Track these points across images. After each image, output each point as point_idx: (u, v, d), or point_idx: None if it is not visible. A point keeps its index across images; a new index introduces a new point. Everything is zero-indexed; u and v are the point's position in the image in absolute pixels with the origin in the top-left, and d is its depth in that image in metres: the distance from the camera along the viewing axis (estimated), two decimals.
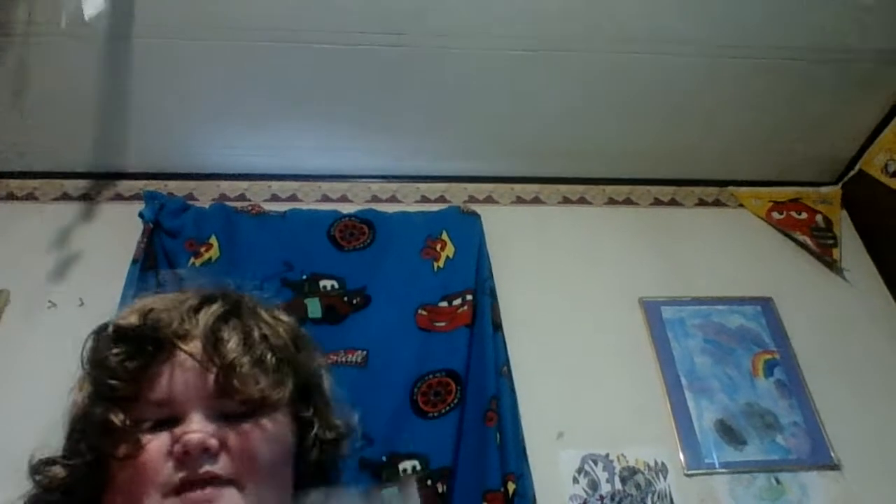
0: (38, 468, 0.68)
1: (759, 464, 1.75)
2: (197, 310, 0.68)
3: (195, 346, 0.66)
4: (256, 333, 0.69)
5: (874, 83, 2.08)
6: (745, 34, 1.93)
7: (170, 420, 0.64)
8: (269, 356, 0.68)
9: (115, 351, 0.66)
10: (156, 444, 0.62)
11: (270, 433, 0.66)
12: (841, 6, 1.89)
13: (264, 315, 0.73)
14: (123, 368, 0.65)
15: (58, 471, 0.66)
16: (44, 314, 1.78)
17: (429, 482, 1.54)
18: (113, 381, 0.64)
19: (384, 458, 1.55)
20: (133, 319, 0.67)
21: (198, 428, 0.62)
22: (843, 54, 1.99)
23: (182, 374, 0.65)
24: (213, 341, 0.66)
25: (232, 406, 0.65)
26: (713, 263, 2.11)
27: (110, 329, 0.67)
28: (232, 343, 0.66)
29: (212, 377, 0.65)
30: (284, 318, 0.75)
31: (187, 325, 0.67)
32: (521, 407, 1.72)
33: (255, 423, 0.65)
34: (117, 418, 0.63)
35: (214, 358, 0.65)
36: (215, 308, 0.69)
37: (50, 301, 1.80)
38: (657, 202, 2.25)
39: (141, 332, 0.66)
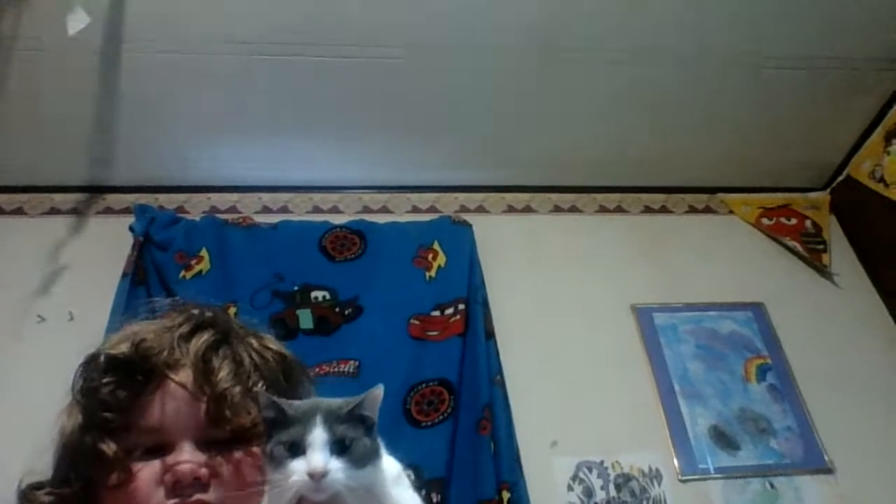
0: (26, 493, 0.68)
1: (753, 469, 1.75)
2: (187, 338, 0.69)
3: (186, 375, 0.67)
4: (247, 362, 0.70)
5: (861, 90, 2.10)
6: (734, 44, 1.95)
7: (160, 448, 0.64)
8: (259, 385, 0.69)
9: (105, 380, 0.66)
10: (146, 472, 0.63)
11: (259, 460, 0.66)
12: (828, 15, 1.91)
13: (254, 343, 0.73)
14: (114, 398, 0.65)
15: (45, 498, 0.66)
16: (33, 328, 1.77)
17: (423, 492, 1.53)
18: (104, 412, 0.65)
19: None
20: (123, 348, 0.68)
21: (189, 458, 0.63)
22: (830, 62, 2.02)
23: (173, 403, 0.65)
24: (204, 371, 0.67)
25: (222, 434, 0.65)
26: (704, 270, 2.12)
27: (101, 358, 0.68)
28: (223, 373, 0.67)
29: (203, 406, 0.65)
30: (273, 345, 0.76)
31: (177, 354, 0.68)
32: (515, 415, 1.71)
33: (245, 451, 0.66)
34: (108, 448, 0.63)
35: (205, 387, 0.66)
36: (206, 337, 0.70)
37: (39, 315, 1.79)
38: (648, 209, 2.26)
39: (132, 362, 0.67)
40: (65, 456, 0.67)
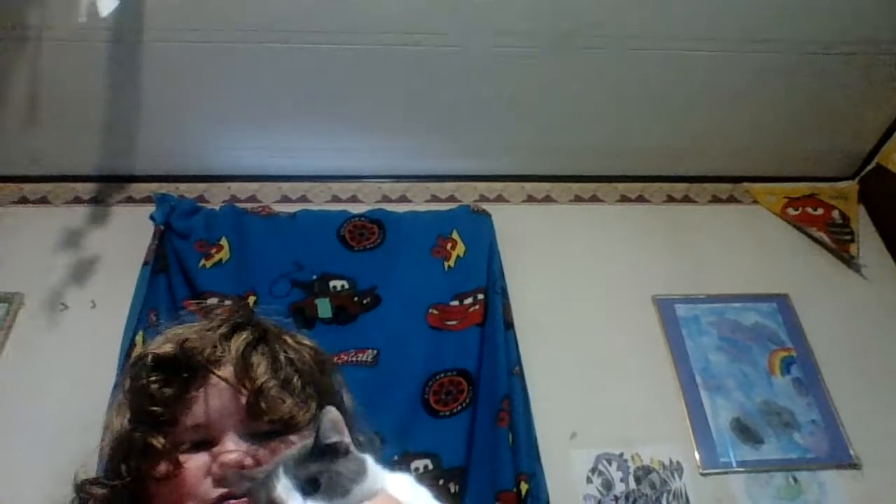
0: (81, 487, 0.71)
1: (777, 462, 1.73)
2: (228, 337, 0.73)
3: (227, 371, 0.71)
4: (283, 357, 0.74)
5: (891, 76, 2.05)
6: (760, 29, 1.90)
7: (205, 441, 0.68)
8: (295, 378, 0.73)
9: (153, 378, 0.70)
10: (194, 463, 0.66)
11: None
12: (857, 0, 1.86)
13: (289, 340, 0.77)
14: (161, 394, 0.69)
15: (98, 490, 0.70)
16: (57, 316, 1.79)
17: (441, 482, 1.53)
18: (153, 408, 0.69)
19: (396, 458, 1.54)
20: (168, 348, 0.71)
21: (233, 448, 0.66)
22: (859, 48, 1.97)
23: (216, 398, 0.69)
24: (244, 366, 0.71)
25: (262, 426, 0.69)
26: (728, 260, 2.09)
27: (148, 358, 0.71)
28: (261, 368, 0.71)
29: (243, 400, 0.69)
30: (308, 342, 0.80)
31: (220, 352, 0.72)
32: (534, 406, 1.70)
33: (284, 441, 0.69)
34: (157, 441, 0.67)
35: (245, 382, 0.70)
36: (245, 335, 0.73)
37: (62, 303, 1.81)
38: (670, 199, 2.23)
39: (177, 360, 0.70)
40: (115, 451, 0.71)
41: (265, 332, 0.76)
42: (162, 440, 0.67)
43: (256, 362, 0.72)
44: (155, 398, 0.69)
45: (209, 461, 0.66)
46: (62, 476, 0.73)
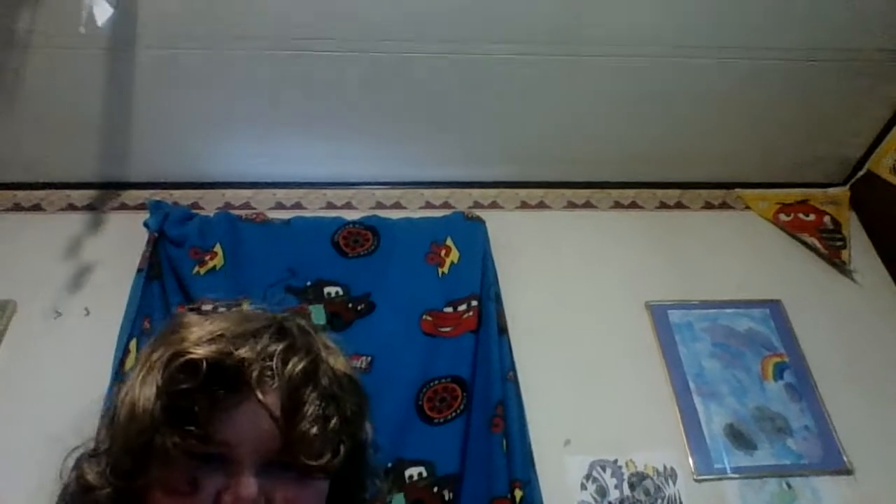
0: (83, 476, 0.69)
1: (770, 469, 1.73)
2: (282, 359, 0.68)
3: (273, 398, 0.66)
4: (331, 396, 0.70)
5: (882, 83, 2.06)
6: (751, 35, 1.92)
7: (224, 458, 0.64)
8: (334, 419, 0.70)
9: (190, 383, 0.65)
10: (206, 484, 0.63)
11: (315, 493, 0.69)
12: (847, 6, 1.87)
13: (330, 361, 0.73)
14: (196, 401, 0.64)
15: (96, 480, 0.68)
16: (50, 324, 1.79)
17: (435, 489, 1.53)
18: (184, 415, 0.64)
19: (390, 465, 1.54)
20: (212, 350, 0.67)
21: (252, 485, 0.63)
22: (850, 54, 1.98)
23: (252, 422, 0.65)
24: (293, 403, 0.67)
25: (287, 461, 0.66)
26: (720, 266, 2.09)
27: (188, 358, 0.66)
28: (310, 409, 0.67)
29: (279, 435, 0.65)
30: (351, 373, 0.76)
31: (268, 375, 0.67)
32: (528, 413, 1.70)
33: (304, 483, 0.67)
34: (177, 452, 0.63)
35: (290, 419, 0.66)
36: (299, 364, 0.69)
37: (56, 311, 1.81)
38: (663, 205, 2.24)
39: (223, 369, 0.66)
40: (130, 443, 0.66)
41: (317, 359, 0.71)
42: (181, 449, 0.63)
43: (306, 399, 0.67)
44: (190, 404, 0.64)
45: (223, 487, 0.63)
46: (53, 484, 0.72)
